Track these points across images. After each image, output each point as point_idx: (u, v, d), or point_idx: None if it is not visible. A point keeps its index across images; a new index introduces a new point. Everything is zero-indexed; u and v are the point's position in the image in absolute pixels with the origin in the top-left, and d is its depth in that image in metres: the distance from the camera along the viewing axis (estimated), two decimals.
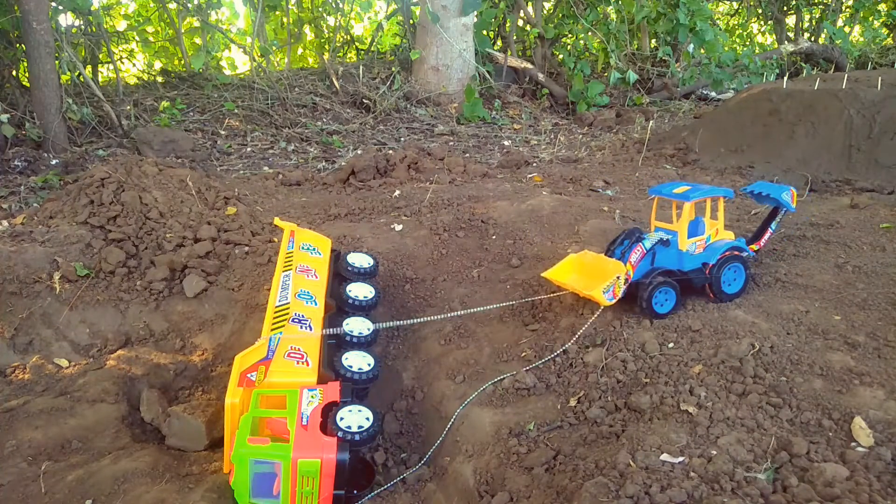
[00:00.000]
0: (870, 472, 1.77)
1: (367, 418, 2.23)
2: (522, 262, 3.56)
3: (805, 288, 2.87)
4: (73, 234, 3.63)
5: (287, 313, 2.65)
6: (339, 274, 3.11)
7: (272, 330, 2.56)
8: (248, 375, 2.34)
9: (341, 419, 2.21)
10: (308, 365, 2.43)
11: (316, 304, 2.78)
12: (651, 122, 7.64)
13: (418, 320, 3.05)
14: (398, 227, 3.97)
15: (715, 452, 1.89)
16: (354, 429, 2.18)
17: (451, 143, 7.12)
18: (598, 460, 2.01)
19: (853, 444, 1.89)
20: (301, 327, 2.59)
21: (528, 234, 3.78)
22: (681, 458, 1.90)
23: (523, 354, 2.84)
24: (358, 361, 2.55)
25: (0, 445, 2.53)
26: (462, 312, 3.09)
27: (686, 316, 2.70)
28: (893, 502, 1.67)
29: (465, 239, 3.83)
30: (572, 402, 2.41)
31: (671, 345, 2.49)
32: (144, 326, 3.41)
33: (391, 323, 2.93)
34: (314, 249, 3.14)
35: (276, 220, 3.41)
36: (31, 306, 3.28)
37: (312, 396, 2.26)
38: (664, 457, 1.91)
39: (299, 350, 2.47)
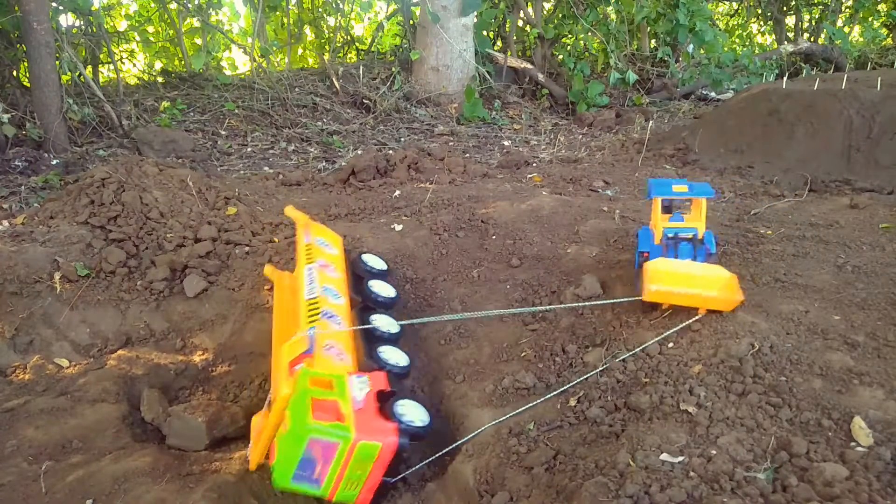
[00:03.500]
0: (869, 471, 1.77)
1: (423, 419, 2.23)
2: (522, 262, 3.56)
3: (805, 288, 2.87)
4: (74, 234, 3.63)
5: (318, 308, 2.62)
6: (355, 273, 3.11)
7: (309, 323, 2.52)
8: (295, 367, 2.30)
9: (402, 405, 2.20)
10: (347, 363, 2.42)
11: (341, 300, 2.76)
12: (651, 122, 7.64)
13: (441, 318, 3.02)
14: (398, 227, 3.97)
15: (715, 452, 1.89)
16: (417, 423, 2.17)
17: (451, 144, 7.12)
18: (598, 460, 2.02)
19: (853, 443, 1.89)
20: (332, 323, 2.57)
21: (528, 234, 3.78)
22: (680, 458, 1.90)
23: (523, 354, 2.85)
24: (394, 356, 2.57)
25: (1, 445, 2.54)
26: (494, 313, 3.06)
27: None
28: (893, 502, 1.67)
29: (465, 239, 3.83)
30: (572, 402, 2.41)
31: (671, 344, 2.49)
32: (145, 326, 3.41)
33: (420, 320, 2.93)
34: (328, 245, 3.14)
35: (288, 209, 3.30)
36: (31, 306, 3.28)
37: (361, 382, 2.23)
38: (664, 456, 1.92)
39: (336, 346, 2.45)
